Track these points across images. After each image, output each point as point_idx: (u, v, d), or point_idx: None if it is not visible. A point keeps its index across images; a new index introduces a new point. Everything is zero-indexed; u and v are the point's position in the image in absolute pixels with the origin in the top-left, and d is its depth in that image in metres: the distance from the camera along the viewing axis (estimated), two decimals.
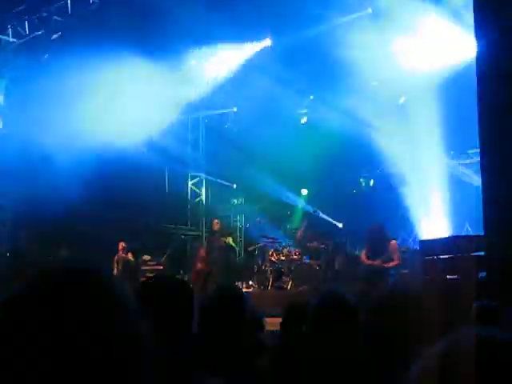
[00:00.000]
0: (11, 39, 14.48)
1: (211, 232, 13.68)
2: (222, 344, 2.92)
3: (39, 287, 1.10)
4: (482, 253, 7.33)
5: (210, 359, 2.79)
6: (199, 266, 12.91)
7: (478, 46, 6.99)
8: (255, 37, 15.75)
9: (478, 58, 6.99)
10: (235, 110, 18.04)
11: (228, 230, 13.87)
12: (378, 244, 10.95)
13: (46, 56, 14.15)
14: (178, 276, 13.29)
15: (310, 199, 17.34)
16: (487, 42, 6.79)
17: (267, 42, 15.89)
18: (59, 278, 1.13)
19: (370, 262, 10.94)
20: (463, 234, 13.14)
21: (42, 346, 1.04)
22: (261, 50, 15.90)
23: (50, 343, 1.04)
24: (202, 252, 13.22)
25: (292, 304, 4.10)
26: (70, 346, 1.05)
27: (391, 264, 10.84)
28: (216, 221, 13.66)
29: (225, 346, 2.91)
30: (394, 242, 11.19)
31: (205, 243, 14.39)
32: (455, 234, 12.85)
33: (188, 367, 2.28)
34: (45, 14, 13.24)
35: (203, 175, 18.47)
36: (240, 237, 17.72)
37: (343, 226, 16.22)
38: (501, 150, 6.75)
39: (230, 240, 13.95)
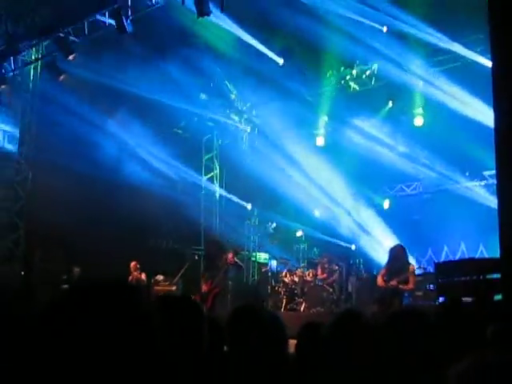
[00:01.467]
0: (28, 59, 14.67)
1: (208, 254, 13.37)
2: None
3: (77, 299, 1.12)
4: (498, 275, 7.25)
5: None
6: (204, 288, 12.83)
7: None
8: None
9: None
10: (249, 129, 18.07)
11: (228, 247, 13.46)
12: (398, 266, 10.89)
13: (63, 76, 14.26)
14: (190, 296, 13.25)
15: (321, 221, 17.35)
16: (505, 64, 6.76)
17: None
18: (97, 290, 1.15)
19: (384, 284, 10.84)
20: (478, 256, 13.07)
21: (78, 352, 1.05)
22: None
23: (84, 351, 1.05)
24: (205, 276, 13.10)
25: (307, 324, 4.06)
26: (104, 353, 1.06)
27: (406, 287, 10.78)
28: (210, 243, 13.39)
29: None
30: (412, 266, 11.15)
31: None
32: (470, 257, 12.77)
33: None
34: (61, 35, 13.36)
35: (217, 194, 18.48)
36: (254, 257, 17.66)
37: (355, 247, 16.18)
38: None
39: (236, 259, 13.69)
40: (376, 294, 11.24)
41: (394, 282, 10.68)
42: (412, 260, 11.43)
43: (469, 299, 7.61)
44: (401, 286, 10.73)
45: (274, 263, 15.82)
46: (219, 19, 13.05)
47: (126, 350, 1.09)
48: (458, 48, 13.92)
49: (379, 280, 11.10)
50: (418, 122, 15.59)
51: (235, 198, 18.09)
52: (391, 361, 2.30)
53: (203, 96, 17.53)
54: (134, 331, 1.12)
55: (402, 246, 11.20)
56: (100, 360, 1.07)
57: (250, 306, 3.35)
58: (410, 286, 10.83)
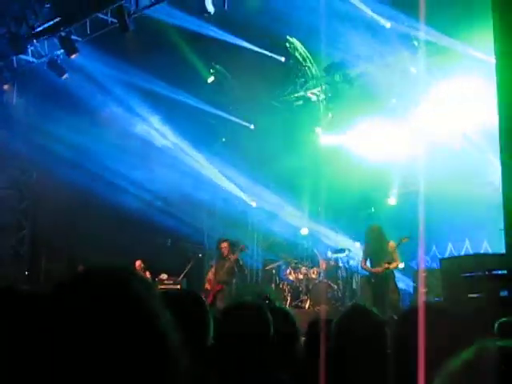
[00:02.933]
0: (31, 59, 14.68)
1: (219, 254, 13.30)
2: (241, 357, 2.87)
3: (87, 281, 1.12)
4: (504, 271, 7.23)
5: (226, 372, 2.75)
6: (207, 286, 12.86)
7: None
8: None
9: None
10: (252, 127, 18.01)
11: (237, 249, 13.42)
12: (378, 246, 11.10)
13: (66, 75, 14.29)
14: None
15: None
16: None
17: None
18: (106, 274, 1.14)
19: (375, 269, 11.07)
20: (483, 251, 13.05)
21: (82, 336, 1.03)
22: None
23: (89, 335, 1.04)
24: (210, 274, 13.12)
25: (314, 320, 4.05)
26: (107, 339, 1.06)
27: (394, 265, 11.07)
28: (223, 243, 13.34)
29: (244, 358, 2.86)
30: (392, 242, 11.34)
31: (212, 264, 14.10)
32: (475, 252, 12.76)
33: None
34: (63, 34, 13.38)
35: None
36: (257, 255, 17.66)
37: (360, 245, 16.14)
38: None
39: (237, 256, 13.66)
40: (372, 289, 11.35)
41: (383, 267, 10.91)
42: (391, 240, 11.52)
43: (475, 295, 7.61)
44: (390, 267, 10.99)
45: (279, 262, 15.79)
46: None
47: (130, 342, 1.08)
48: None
49: (363, 264, 11.37)
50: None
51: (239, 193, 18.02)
52: (403, 355, 2.28)
53: None
54: (139, 321, 1.11)
55: (377, 225, 11.38)
56: (104, 350, 1.05)
57: (246, 301, 3.33)
58: (397, 262, 11.13)
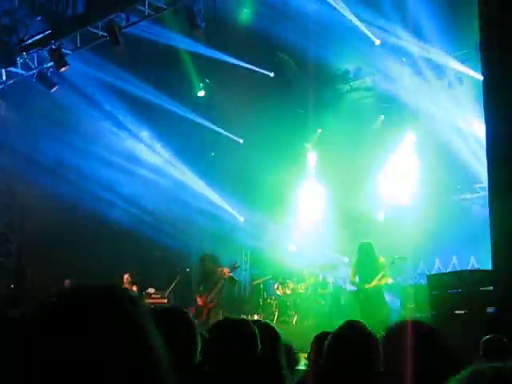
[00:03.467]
0: (20, 71, 14.64)
1: (204, 269, 13.22)
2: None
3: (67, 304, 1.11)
4: (490, 287, 7.26)
5: None
6: (199, 301, 12.75)
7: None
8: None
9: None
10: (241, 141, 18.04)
11: (219, 264, 13.37)
12: (369, 262, 11.15)
13: (55, 88, 14.27)
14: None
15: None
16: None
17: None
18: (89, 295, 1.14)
19: (367, 285, 11.10)
20: (470, 268, 13.08)
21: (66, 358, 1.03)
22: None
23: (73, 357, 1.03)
24: (200, 289, 13.00)
25: (322, 334, 4.05)
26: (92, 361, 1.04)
27: (383, 281, 11.12)
28: (207, 257, 13.29)
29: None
30: (382, 258, 11.40)
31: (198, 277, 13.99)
32: (462, 269, 12.79)
33: None
34: (54, 47, 13.37)
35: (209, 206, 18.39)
36: (245, 270, 17.65)
37: (349, 260, 16.14)
38: (509, 185, 6.72)
39: (231, 274, 13.65)
40: (361, 305, 11.37)
41: (375, 282, 10.96)
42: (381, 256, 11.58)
43: (462, 312, 7.62)
44: (380, 283, 11.04)
45: (267, 277, 15.77)
46: None
47: (117, 361, 1.07)
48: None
49: (352, 279, 11.42)
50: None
51: (228, 208, 18.01)
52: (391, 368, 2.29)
53: None
54: (127, 342, 1.10)
55: (369, 242, 11.43)
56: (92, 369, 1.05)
57: (231, 319, 3.34)
58: (386, 279, 11.18)
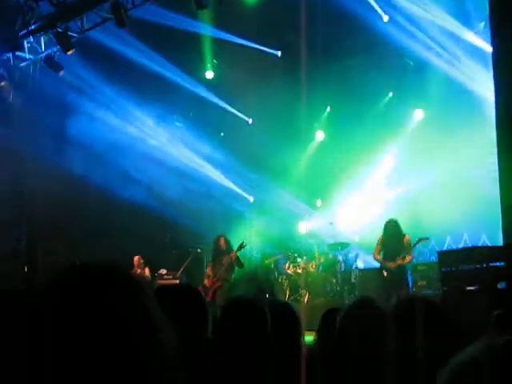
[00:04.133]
0: (28, 55, 14.62)
1: (217, 250, 13.20)
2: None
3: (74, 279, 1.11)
4: (502, 263, 7.25)
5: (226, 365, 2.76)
6: (206, 282, 12.79)
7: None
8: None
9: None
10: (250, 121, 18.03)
11: (233, 247, 13.35)
12: (394, 240, 11.10)
13: (62, 72, 14.26)
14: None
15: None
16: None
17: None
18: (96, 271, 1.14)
19: (389, 264, 11.05)
20: (481, 244, 13.06)
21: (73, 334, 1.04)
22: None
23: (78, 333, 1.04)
24: (208, 270, 13.04)
25: (330, 310, 4.05)
26: (97, 336, 1.05)
27: (407, 260, 11.08)
28: (222, 238, 13.28)
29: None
30: (407, 236, 11.34)
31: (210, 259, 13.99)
32: (473, 245, 12.76)
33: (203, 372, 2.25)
34: (60, 30, 13.34)
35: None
36: (256, 248, 17.68)
37: (358, 238, 16.16)
38: None
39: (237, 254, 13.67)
40: (382, 281, 11.32)
41: (397, 263, 10.92)
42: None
43: (473, 288, 7.62)
44: (404, 262, 11.01)
45: (278, 255, 15.81)
46: None
47: (126, 338, 1.08)
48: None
49: (376, 255, 11.36)
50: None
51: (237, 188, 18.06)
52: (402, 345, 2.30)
53: None
54: (132, 318, 1.10)
55: (395, 220, 11.37)
56: (98, 349, 1.05)
57: (244, 297, 3.33)
58: (410, 257, 11.15)
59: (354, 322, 3.09)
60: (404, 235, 11.29)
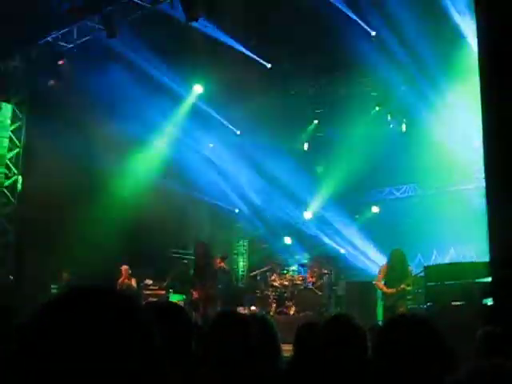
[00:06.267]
0: (18, 64, 14.52)
1: (198, 257, 13.08)
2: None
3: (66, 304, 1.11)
4: (488, 279, 7.26)
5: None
6: (195, 295, 12.68)
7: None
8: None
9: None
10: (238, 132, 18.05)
11: (214, 254, 13.25)
12: (399, 269, 10.98)
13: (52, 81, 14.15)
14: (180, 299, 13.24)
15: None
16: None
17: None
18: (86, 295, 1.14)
19: (391, 290, 10.90)
20: (468, 260, 13.09)
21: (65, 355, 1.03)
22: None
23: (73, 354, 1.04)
24: (196, 279, 12.92)
25: (305, 324, 4.07)
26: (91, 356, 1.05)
27: (410, 288, 11.06)
28: (201, 245, 13.20)
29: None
30: (411, 267, 11.33)
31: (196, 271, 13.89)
32: (460, 260, 12.81)
33: None
34: (50, 40, 13.27)
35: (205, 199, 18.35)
36: (243, 261, 17.68)
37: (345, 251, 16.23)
38: (506, 174, 6.70)
39: (223, 264, 13.62)
40: (386, 302, 11.23)
41: (401, 288, 10.80)
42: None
43: (459, 303, 7.64)
44: (406, 288, 10.96)
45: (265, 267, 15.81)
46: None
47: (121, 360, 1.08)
48: None
49: (379, 284, 11.18)
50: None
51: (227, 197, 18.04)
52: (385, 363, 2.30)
53: None
54: (130, 340, 1.11)
55: (401, 249, 11.27)
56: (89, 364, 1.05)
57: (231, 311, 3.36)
58: (411, 286, 11.14)
59: (327, 338, 3.11)
60: (409, 266, 11.24)
